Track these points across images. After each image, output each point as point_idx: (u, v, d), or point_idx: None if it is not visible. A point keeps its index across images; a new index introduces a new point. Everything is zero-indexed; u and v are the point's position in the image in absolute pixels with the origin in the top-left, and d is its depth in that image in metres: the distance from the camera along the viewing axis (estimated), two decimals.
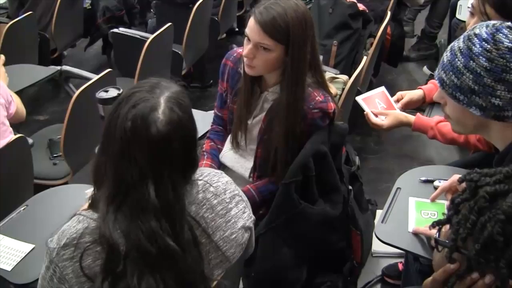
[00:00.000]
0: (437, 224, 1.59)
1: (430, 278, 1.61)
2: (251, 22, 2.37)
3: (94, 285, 1.57)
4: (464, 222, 1.43)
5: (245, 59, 2.44)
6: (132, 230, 1.56)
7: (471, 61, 1.88)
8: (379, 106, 2.92)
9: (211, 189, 1.77)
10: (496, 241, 1.34)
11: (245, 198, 1.86)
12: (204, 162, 2.71)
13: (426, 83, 3.26)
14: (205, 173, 1.81)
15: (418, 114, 2.85)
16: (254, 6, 2.41)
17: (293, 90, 2.41)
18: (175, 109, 1.61)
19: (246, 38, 2.41)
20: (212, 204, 1.74)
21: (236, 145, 2.67)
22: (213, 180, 1.80)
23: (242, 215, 1.80)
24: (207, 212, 1.72)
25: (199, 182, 1.76)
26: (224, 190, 1.79)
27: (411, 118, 2.83)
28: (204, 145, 2.79)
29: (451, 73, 1.94)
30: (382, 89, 3.02)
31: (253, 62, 2.41)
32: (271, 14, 2.32)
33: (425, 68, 5.69)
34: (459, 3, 4.65)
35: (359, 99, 2.95)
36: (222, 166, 2.75)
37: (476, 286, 1.45)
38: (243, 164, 2.67)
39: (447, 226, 1.54)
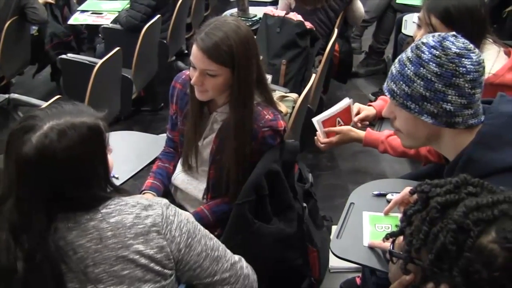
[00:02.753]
0: (391, 236, 1.60)
1: None
2: (194, 50, 2.36)
3: None
4: (417, 233, 1.45)
5: (195, 86, 2.44)
6: None
7: (422, 68, 1.91)
8: (338, 125, 2.96)
9: (112, 220, 1.68)
10: (449, 250, 1.36)
11: (171, 236, 1.76)
12: (147, 181, 2.70)
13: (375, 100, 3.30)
14: (118, 203, 1.73)
15: (368, 129, 2.89)
16: (196, 33, 2.40)
17: (241, 110, 2.42)
18: (52, 138, 1.59)
19: (191, 66, 2.40)
20: (102, 236, 1.66)
21: (188, 168, 2.66)
22: (124, 212, 1.71)
23: (155, 255, 1.72)
24: (90, 242, 1.65)
25: (103, 211, 1.69)
26: (132, 225, 1.70)
27: (361, 133, 2.87)
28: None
29: (401, 82, 1.96)
30: (349, 103, 3.03)
31: (203, 88, 2.41)
32: (213, 39, 2.32)
33: (370, 95, 5.77)
34: (404, 18, 4.74)
35: (314, 120, 2.96)
36: (174, 188, 2.75)
37: None
38: (196, 186, 2.66)
39: (401, 238, 1.56)
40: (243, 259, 2.04)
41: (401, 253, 1.52)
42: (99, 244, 1.66)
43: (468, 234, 1.35)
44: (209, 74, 2.37)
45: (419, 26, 2.74)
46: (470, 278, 1.34)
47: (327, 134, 2.97)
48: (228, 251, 1.99)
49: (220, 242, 1.97)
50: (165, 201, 1.81)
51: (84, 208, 1.69)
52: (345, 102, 3.01)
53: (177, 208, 1.84)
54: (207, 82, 2.39)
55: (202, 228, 1.90)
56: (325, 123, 2.97)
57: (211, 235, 1.94)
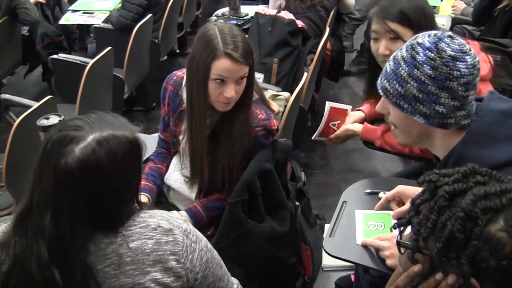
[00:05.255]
0: (399, 226, 1.60)
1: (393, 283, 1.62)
2: (227, 64, 2.29)
3: None
4: (425, 222, 1.44)
5: (224, 100, 2.36)
6: (25, 250, 1.54)
7: (415, 70, 1.90)
8: (335, 127, 3.08)
9: (132, 245, 1.63)
10: (457, 239, 1.35)
11: (191, 266, 1.71)
12: None
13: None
14: (139, 224, 1.67)
15: (365, 123, 2.94)
16: (213, 48, 2.31)
17: (247, 106, 2.43)
18: (98, 152, 1.54)
19: (219, 81, 2.32)
20: (121, 261, 1.62)
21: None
22: (144, 236, 1.66)
23: (171, 283, 1.67)
24: (109, 267, 1.61)
25: (124, 233, 1.65)
26: (152, 251, 1.65)
27: (358, 130, 2.91)
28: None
29: (394, 81, 1.95)
30: (329, 104, 3.09)
31: (236, 96, 2.38)
32: (240, 45, 2.30)
33: (362, 94, 5.78)
34: None
35: (314, 138, 3.16)
36: (167, 188, 2.74)
37: (440, 287, 1.47)
38: (189, 185, 2.64)
39: (408, 229, 1.56)
40: (240, 286, 1.99)
41: (409, 243, 1.52)
42: (117, 269, 1.62)
43: (476, 223, 1.35)
44: (241, 79, 2.35)
45: (375, 40, 2.73)
46: (477, 266, 1.34)
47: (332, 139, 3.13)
48: (230, 279, 1.93)
49: (225, 270, 1.90)
50: (185, 226, 1.74)
51: (110, 224, 1.64)
52: (327, 107, 3.08)
53: (197, 233, 1.78)
54: (238, 89, 2.37)
55: (216, 254, 1.84)
56: (322, 134, 3.13)
57: (221, 262, 1.87)
